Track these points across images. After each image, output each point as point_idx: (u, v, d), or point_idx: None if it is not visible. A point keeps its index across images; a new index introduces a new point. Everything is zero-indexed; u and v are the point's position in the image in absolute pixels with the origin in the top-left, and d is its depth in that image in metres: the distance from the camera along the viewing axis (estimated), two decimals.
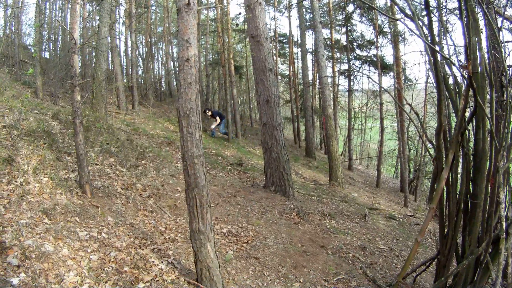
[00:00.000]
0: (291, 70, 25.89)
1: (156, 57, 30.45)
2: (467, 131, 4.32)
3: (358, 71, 21.12)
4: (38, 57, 14.17)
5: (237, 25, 23.82)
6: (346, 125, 23.29)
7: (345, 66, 24.08)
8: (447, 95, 4.49)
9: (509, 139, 4.09)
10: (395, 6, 13.73)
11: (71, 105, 5.58)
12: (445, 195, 4.63)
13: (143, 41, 27.85)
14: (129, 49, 22.70)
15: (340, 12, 22.64)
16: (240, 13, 19.66)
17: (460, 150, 4.38)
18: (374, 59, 20.28)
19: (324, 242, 6.50)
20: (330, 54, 23.61)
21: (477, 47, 4.04)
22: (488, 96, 4.27)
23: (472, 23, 3.99)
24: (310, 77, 23.26)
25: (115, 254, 4.10)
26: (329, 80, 23.64)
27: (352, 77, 21.38)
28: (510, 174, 4.40)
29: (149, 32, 25.55)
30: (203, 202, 3.75)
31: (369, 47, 22.04)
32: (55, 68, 14.64)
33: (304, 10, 18.77)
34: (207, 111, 17.31)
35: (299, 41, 20.81)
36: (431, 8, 4.07)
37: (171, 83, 30.76)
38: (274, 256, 5.48)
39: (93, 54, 16.63)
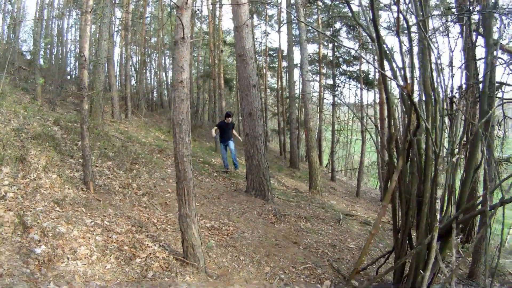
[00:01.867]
0: (279, 84, 26.74)
1: (149, 67, 31.20)
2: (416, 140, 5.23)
3: (341, 87, 22.16)
4: (37, 65, 14.95)
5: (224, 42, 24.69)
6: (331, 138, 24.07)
7: (331, 81, 24.97)
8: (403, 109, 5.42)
9: (445, 148, 5.01)
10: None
11: (80, 113, 6.49)
12: (397, 195, 5.54)
13: (137, 51, 28.57)
14: (123, 60, 23.34)
15: (328, 29, 23.56)
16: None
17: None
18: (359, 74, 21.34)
19: (297, 239, 7.36)
20: (318, 68, 24.63)
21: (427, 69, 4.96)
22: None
23: (411, 51, 4.93)
24: (298, 91, 24.09)
25: (116, 237, 4.95)
26: (316, 94, 24.66)
27: (336, 92, 22.38)
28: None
29: (143, 43, 26.23)
30: (190, 192, 4.63)
31: (354, 62, 23.05)
32: (53, 77, 15.43)
33: (293, 26, 19.61)
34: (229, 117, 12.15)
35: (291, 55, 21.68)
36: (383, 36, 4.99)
37: (163, 94, 31.49)
38: (250, 246, 6.34)
39: (91, 65, 17.41)
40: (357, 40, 21.57)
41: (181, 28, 4.08)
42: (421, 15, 4.74)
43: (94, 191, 6.29)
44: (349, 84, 24.77)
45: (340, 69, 23.97)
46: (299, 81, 24.72)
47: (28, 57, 19.76)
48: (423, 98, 5.19)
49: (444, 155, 5.06)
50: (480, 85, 5.62)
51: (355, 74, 23.33)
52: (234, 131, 12.60)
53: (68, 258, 4.08)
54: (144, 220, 6.03)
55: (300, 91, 21.73)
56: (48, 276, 3.65)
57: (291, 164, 20.83)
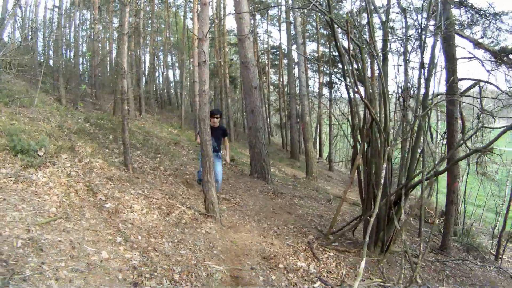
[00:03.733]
0: (281, 81, 28.46)
1: (157, 68, 32.93)
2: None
3: (337, 84, 23.81)
4: (61, 70, 16.64)
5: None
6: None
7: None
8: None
9: (391, 136, 6.87)
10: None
11: (121, 112, 8.40)
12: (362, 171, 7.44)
13: (147, 52, 30.18)
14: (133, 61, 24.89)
15: (326, 29, 25.08)
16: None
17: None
18: (356, 72, 23.00)
19: (290, 210, 9.26)
20: (317, 66, 26.34)
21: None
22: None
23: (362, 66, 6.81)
24: (298, 88, 25.82)
25: (155, 201, 6.88)
26: (316, 90, 26.44)
27: (333, 88, 24.13)
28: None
29: (153, 45, 27.87)
30: (210, 165, 6.56)
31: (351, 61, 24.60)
32: (77, 79, 17.32)
33: (292, 27, 21.28)
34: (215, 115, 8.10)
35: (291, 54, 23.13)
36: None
37: (171, 92, 33.29)
38: (252, 211, 8.33)
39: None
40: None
41: (203, 54, 6.00)
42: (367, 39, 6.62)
43: (133, 171, 8.19)
44: (342, 82, 26.32)
45: (337, 68, 25.56)
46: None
47: (40, 58, 21.20)
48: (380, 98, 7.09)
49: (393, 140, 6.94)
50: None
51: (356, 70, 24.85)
52: (226, 140, 8.48)
53: (127, 211, 6.00)
54: (173, 192, 7.95)
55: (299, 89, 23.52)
56: (116, 220, 5.55)
57: (292, 155, 22.68)
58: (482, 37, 12.08)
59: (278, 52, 30.04)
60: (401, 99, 7.49)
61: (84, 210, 5.43)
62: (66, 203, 5.37)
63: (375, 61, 6.86)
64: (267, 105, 30.15)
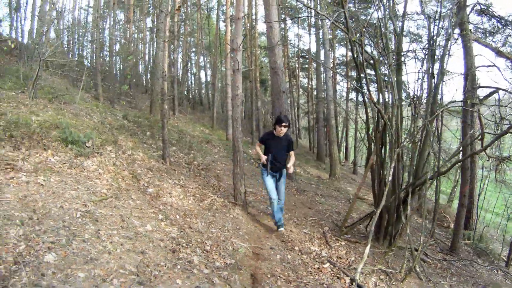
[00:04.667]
0: (310, 85, 29.15)
1: (190, 69, 33.92)
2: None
3: (364, 88, 24.31)
4: (99, 70, 17.68)
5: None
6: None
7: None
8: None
9: (400, 138, 7.61)
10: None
11: (161, 111, 9.37)
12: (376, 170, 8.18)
13: (180, 53, 31.20)
14: (171, 63, 25.78)
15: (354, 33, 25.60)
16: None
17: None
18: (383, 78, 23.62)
19: (311, 206, 10.06)
20: (345, 71, 27.00)
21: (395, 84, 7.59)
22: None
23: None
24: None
25: (190, 190, 7.81)
26: (344, 94, 27.07)
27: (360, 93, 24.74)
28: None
29: (186, 47, 28.82)
30: (240, 159, 7.52)
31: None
32: (113, 79, 18.45)
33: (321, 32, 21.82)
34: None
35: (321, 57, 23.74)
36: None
37: (202, 93, 34.27)
38: None
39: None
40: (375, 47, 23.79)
41: (237, 63, 6.92)
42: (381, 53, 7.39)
43: (170, 164, 9.13)
44: (371, 87, 26.84)
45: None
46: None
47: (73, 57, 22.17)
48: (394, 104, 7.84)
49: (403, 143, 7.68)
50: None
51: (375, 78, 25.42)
52: (291, 155, 7.30)
53: (166, 196, 6.94)
54: (205, 184, 8.86)
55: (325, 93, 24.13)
56: (157, 202, 6.49)
57: (318, 158, 23.38)
58: (503, 45, 12.59)
59: (307, 56, 30.49)
60: (412, 106, 8.21)
61: (130, 192, 6.37)
62: (115, 186, 6.32)
63: (388, 71, 7.57)
64: (296, 108, 30.82)
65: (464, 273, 8.10)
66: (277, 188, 7.17)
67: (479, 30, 13.30)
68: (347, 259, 6.60)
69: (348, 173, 22.72)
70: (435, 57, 8.10)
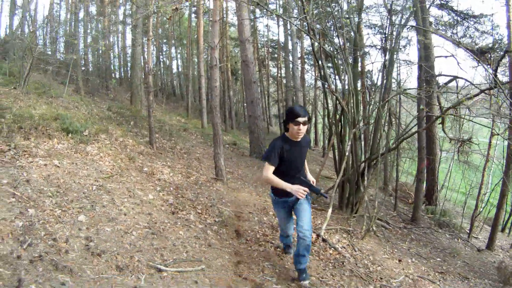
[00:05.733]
0: (279, 74, 30.32)
1: (160, 60, 34.58)
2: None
3: (331, 77, 25.66)
4: (79, 65, 18.39)
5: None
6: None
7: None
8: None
9: (356, 121, 8.96)
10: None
11: (147, 101, 10.51)
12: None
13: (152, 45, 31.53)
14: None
15: (321, 24, 26.77)
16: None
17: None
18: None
19: None
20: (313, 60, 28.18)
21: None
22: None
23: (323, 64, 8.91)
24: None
25: (177, 169, 9.05)
26: (313, 82, 28.42)
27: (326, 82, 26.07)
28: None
29: (158, 39, 29.50)
30: (220, 141, 8.74)
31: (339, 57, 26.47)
32: (94, 74, 19.34)
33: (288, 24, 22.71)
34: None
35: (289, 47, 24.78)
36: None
37: (175, 85, 35.09)
38: (251, 180, 10.49)
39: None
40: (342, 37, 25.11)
41: (215, 60, 8.15)
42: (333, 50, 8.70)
43: (156, 149, 10.31)
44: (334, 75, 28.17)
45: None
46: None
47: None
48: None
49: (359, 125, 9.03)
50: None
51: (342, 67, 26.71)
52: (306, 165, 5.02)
53: (159, 173, 8.19)
54: (189, 164, 10.11)
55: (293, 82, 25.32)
56: (153, 178, 7.74)
57: None
58: (462, 37, 13.93)
59: (276, 46, 31.50)
60: (366, 93, 9.58)
61: (130, 171, 7.59)
62: (117, 166, 7.50)
63: (343, 65, 8.82)
64: (266, 97, 32.02)
65: (424, 240, 9.14)
66: (298, 215, 4.70)
67: (440, 23, 14.66)
68: (314, 222, 7.86)
69: (318, 157, 24.03)
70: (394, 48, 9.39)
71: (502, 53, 10.19)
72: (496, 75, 6.31)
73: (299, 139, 4.51)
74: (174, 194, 7.23)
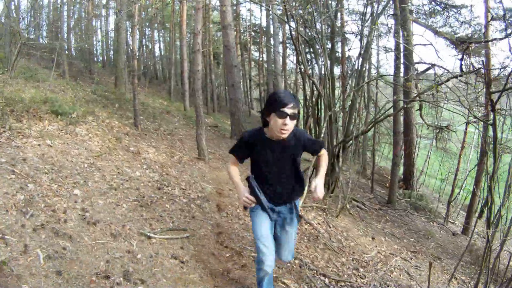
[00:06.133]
0: (261, 58, 30.73)
1: (143, 44, 34.61)
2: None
3: (313, 63, 26.24)
4: (63, 49, 18.54)
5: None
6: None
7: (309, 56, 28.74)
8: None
9: (332, 105, 9.54)
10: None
11: (132, 84, 10.95)
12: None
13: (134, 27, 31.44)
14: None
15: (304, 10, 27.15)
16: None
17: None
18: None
19: None
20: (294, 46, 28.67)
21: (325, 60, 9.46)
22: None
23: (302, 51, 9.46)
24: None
25: (161, 149, 9.56)
26: (293, 67, 28.92)
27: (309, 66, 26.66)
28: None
29: (141, 22, 29.54)
30: (202, 122, 9.26)
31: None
32: (77, 58, 19.56)
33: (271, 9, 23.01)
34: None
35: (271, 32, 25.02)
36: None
37: (157, 68, 35.24)
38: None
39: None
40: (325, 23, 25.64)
41: (197, 45, 8.63)
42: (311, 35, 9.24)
43: (141, 130, 10.78)
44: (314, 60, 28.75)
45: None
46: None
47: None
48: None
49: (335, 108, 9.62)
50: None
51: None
52: (322, 161, 3.68)
53: (145, 153, 8.70)
54: (172, 145, 10.62)
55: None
56: (139, 157, 8.25)
57: None
58: (442, 26, 14.47)
59: (259, 31, 31.76)
60: (341, 79, 10.15)
61: (117, 150, 8.08)
62: (105, 146, 7.99)
63: (320, 51, 9.36)
64: (248, 80, 32.41)
65: (399, 221, 9.67)
66: (277, 238, 3.76)
67: (420, 11, 15.20)
68: None
69: None
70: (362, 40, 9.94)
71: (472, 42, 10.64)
72: (462, 64, 6.80)
73: (282, 137, 3.20)
74: (159, 172, 7.76)
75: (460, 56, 7.12)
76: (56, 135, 7.46)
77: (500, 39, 7.08)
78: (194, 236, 5.38)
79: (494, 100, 4.43)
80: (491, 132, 5.36)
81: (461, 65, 6.61)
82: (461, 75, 6.75)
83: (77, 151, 7.05)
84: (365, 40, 9.69)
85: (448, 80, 7.34)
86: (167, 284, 4.02)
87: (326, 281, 5.10)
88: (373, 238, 7.49)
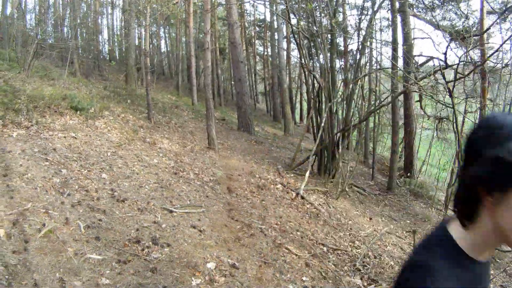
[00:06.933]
0: (265, 52, 31.25)
1: (150, 40, 35.26)
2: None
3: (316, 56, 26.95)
4: (74, 48, 19.23)
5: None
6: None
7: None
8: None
9: (332, 96, 10.22)
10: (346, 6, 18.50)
11: (145, 81, 11.68)
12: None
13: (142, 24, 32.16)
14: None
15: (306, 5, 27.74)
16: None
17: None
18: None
19: (268, 153, 12.63)
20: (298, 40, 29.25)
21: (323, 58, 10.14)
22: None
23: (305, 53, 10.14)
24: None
25: (174, 140, 10.30)
26: (297, 62, 29.53)
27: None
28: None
29: (149, 20, 30.18)
30: (212, 114, 10.02)
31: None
32: (86, 56, 20.28)
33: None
34: None
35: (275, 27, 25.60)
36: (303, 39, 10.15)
37: (164, 64, 35.86)
38: (239, 150, 11.74)
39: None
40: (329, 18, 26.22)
41: (207, 43, 9.34)
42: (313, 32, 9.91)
43: (154, 123, 11.52)
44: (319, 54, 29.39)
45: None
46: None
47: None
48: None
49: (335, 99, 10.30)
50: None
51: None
52: None
53: (160, 143, 9.44)
54: (184, 136, 11.35)
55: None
56: (155, 147, 8.99)
57: (274, 119, 25.88)
58: (441, 20, 14.96)
59: (263, 25, 32.30)
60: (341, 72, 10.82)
61: (135, 141, 8.83)
62: (124, 138, 8.74)
63: (321, 47, 10.02)
64: (253, 75, 33.04)
65: (398, 206, 10.23)
66: None
67: (420, 6, 15.72)
68: (295, 183, 9.14)
69: (303, 132, 25.39)
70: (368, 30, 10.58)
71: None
72: (445, 57, 7.40)
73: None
74: (174, 159, 8.53)
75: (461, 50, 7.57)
76: (78, 128, 8.18)
77: (477, 35, 7.61)
78: (208, 211, 6.18)
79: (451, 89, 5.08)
80: None
81: (445, 58, 7.22)
82: (445, 68, 7.33)
83: (99, 142, 7.80)
84: (362, 33, 10.35)
85: (437, 70, 7.89)
86: (188, 247, 4.76)
87: (325, 249, 5.84)
88: (370, 219, 8.18)
